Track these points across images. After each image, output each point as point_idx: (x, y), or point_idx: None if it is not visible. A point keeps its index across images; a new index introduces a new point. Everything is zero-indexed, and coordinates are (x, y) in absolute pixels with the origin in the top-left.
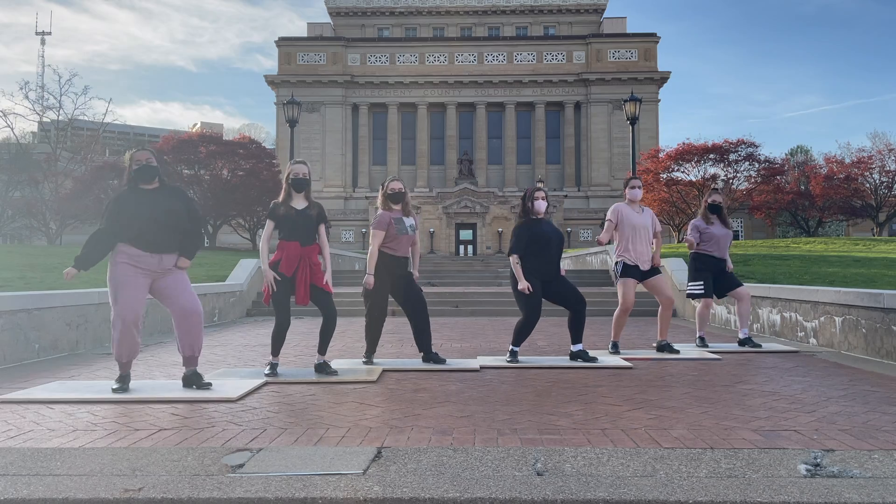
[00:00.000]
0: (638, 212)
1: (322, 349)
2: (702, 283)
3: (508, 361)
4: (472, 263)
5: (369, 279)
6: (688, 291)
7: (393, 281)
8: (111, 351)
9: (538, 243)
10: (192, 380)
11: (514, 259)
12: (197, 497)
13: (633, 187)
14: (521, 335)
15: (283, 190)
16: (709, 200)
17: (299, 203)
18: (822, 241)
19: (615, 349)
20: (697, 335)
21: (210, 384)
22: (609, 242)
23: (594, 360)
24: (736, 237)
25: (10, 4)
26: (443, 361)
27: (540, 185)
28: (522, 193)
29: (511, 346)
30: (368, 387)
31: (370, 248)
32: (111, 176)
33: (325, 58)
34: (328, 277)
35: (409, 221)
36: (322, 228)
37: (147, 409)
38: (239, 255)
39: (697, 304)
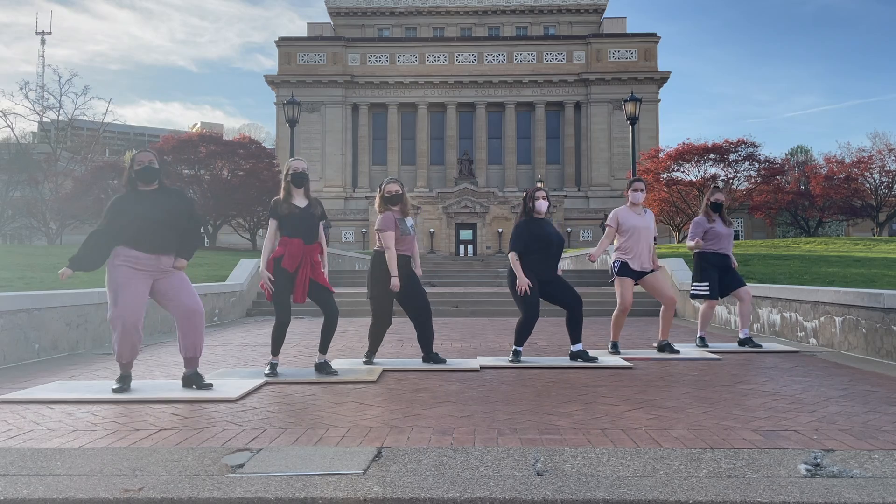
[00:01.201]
0: (639, 213)
1: (323, 348)
2: (707, 283)
3: (511, 361)
4: (472, 263)
5: (395, 282)
6: (692, 292)
7: (402, 281)
8: (111, 351)
9: (538, 242)
10: (193, 380)
11: (513, 256)
12: (197, 497)
13: (635, 190)
14: (522, 334)
15: (282, 188)
16: (711, 199)
17: (300, 201)
18: (822, 241)
19: (615, 349)
20: (698, 335)
21: (211, 385)
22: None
23: (594, 359)
24: (736, 237)
25: (10, 4)
26: (443, 362)
27: (540, 185)
28: (523, 194)
29: (514, 346)
30: (368, 387)
31: (387, 252)
32: (111, 176)
33: (325, 58)
34: (325, 274)
35: (409, 222)
36: (322, 226)
37: (147, 409)
38: (239, 255)
39: (701, 304)
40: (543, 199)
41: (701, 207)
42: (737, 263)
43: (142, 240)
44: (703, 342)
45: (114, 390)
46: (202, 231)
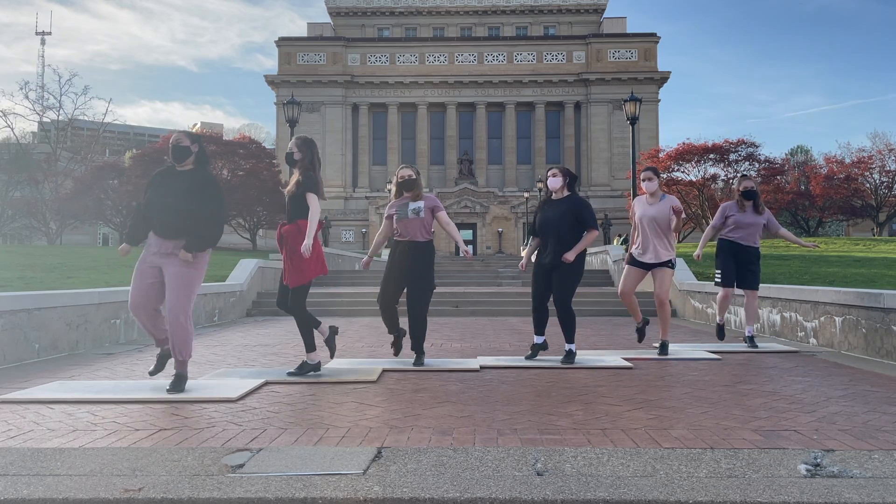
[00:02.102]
0: (652, 202)
1: (307, 347)
2: (720, 271)
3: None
4: (472, 263)
5: (364, 260)
6: (715, 280)
7: (400, 268)
8: (112, 352)
9: (543, 226)
10: (172, 383)
11: (529, 239)
12: (197, 497)
13: (643, 180)
14: (534, 322)
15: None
16: (741, 188)
17: (292, 183)
18: (823, 241)
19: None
20: (717, 321)
21: (181, 391)
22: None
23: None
24: None
25: (10, 4)
26: (421, 364)
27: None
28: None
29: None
30: (368, 387)
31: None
32: (111, 176)
33: (325, 58)
34: (307, 242)
35: (413, 205)
36: (310, 198)
37: (147, 409)
38: (239, 255)
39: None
40: (553, 175)
41: (735, 196)
42: (805, 244)
43: (155, 221)
44: (752, 342)
45: (150, 373)
46: (213, 223)
